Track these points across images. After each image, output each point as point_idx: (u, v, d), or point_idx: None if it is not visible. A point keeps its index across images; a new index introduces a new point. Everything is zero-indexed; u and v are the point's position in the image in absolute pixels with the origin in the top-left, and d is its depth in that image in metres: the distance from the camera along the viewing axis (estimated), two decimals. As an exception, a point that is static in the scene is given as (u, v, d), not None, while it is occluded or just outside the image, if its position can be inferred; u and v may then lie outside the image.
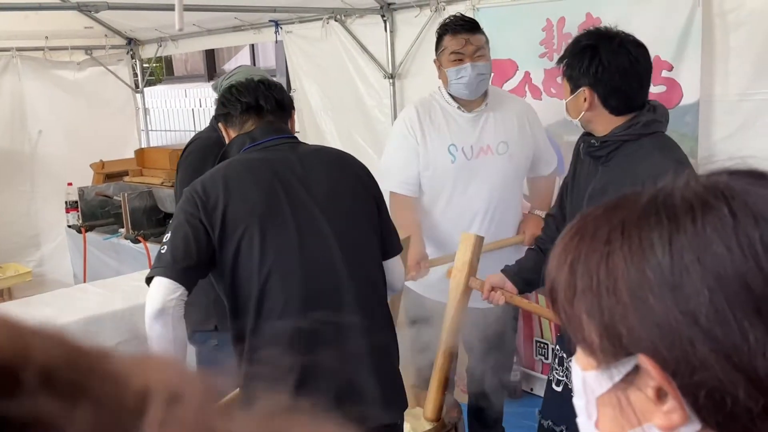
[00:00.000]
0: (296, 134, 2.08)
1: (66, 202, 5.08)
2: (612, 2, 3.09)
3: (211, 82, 9.12)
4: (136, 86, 6.04)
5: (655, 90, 3.00)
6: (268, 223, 1.78)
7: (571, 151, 2.36)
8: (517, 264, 2.39)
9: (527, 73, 3.44)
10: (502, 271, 2.38)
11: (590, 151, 2.12)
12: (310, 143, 4.44)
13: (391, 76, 3.99)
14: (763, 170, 0.57)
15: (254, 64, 9.86)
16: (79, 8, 2.86)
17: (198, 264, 1.75)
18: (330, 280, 1.82)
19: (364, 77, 4.13)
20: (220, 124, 2.02)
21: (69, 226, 5.11)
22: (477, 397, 2.98)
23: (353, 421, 1.71)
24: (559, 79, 2.23)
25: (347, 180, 1.95)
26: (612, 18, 3.05)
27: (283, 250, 1.78)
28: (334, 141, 4.29)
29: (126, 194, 4.61)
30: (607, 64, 2.01)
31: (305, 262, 1.79)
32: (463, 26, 2.71)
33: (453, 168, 2.72)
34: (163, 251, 1.74)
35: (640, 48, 2.09)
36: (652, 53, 2.95)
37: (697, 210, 0.54)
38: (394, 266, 2.02)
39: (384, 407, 1.87)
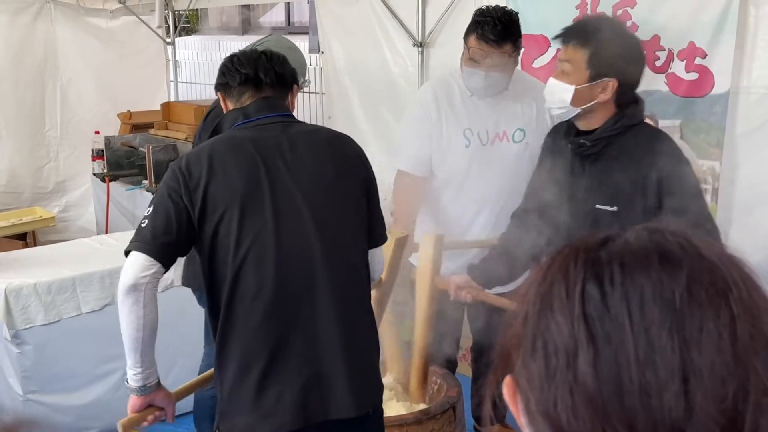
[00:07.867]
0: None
1: (92, 150, 5.15)
2: (649, -17, 2.99)
3: (245, 38, 9.08)
4: (168, 37, 6.03)
5: (687, 77, 2.91)
6: (247, 205, 1.73)
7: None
8: (482, 262, 2.37)
9: (559, 51, 3.35)
10: (468, 271, 2.37)
11: (581, 151, 2.05)
12: (335, 103, 4.35)
13: (420, 45, 3.93)
14: (684, 252, 0.55)
15: (289, 20, 9.80)
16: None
17: (177, 241, 1.72)
18: (305, 266, 1.76)
19: (391, 44, 4.06)
20: (218, 94, 1.96)
21: (94, 174, 5.19)
22: (480, 372, 3.00)
23: (317, 411, 1.70)
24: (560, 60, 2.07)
25: (336, 164, 1.87)
26: (648, 0, 2.98)
27: (260, 234, 1.73)
28: (356, 107, 4.26)
29: (151, 146, 4.64)
30: (633, 57, 1.92)
31: (281, 247, 1.74)
32: (492, 39, 2.49)
33: (466, 153, 2.65)
34: (143, 225, 1.71)
35: (636, 38, 2.02)
36: (687, 39, 2.89)
37: (565, 280, 0.57)
38: (375, 254, 1.95)
39: (351, 400, 1.78)
